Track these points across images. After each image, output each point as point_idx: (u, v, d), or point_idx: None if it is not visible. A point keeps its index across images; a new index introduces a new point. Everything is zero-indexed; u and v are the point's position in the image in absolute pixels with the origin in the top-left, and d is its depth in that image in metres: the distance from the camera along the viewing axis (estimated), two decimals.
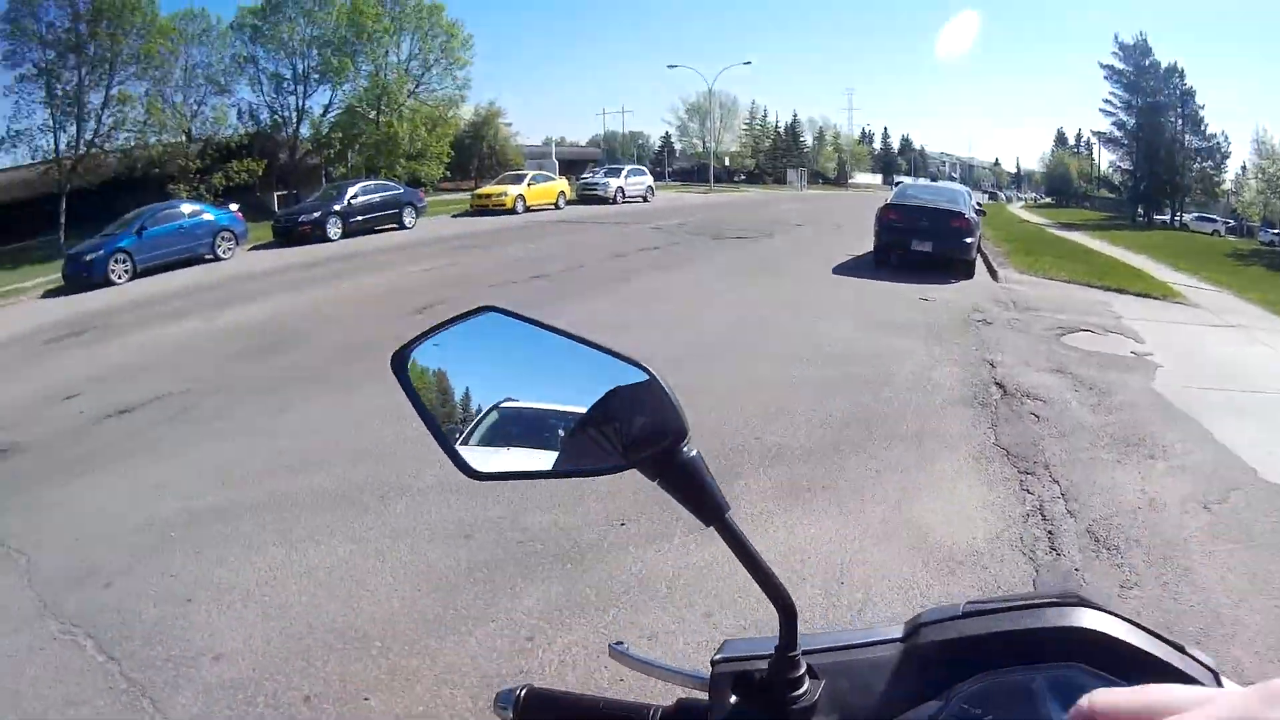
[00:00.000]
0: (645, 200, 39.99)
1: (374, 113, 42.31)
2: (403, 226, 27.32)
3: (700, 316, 10.84)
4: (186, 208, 23.28)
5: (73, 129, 34.83)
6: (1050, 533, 4.94)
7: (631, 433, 1.02)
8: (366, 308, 12.50)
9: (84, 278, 19.16)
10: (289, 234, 24.80)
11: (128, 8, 33.96)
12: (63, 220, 32.69)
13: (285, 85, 42.31)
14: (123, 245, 20.17)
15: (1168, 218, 64.99)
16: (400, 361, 1.15)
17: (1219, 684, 0.88)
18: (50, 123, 34.57)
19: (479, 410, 1.17)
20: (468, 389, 1.19)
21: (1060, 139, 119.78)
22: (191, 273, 20.03)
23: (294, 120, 42.54)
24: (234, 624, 3.97)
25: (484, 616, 3.96)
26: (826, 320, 10.88)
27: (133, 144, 35.98)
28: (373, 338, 9.95)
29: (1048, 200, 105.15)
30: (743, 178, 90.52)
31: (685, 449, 0.94)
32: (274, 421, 7.04)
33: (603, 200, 37.74)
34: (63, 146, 34.63)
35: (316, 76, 42.20)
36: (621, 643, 1.19)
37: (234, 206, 25.08)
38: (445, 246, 20.81)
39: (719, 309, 11.36)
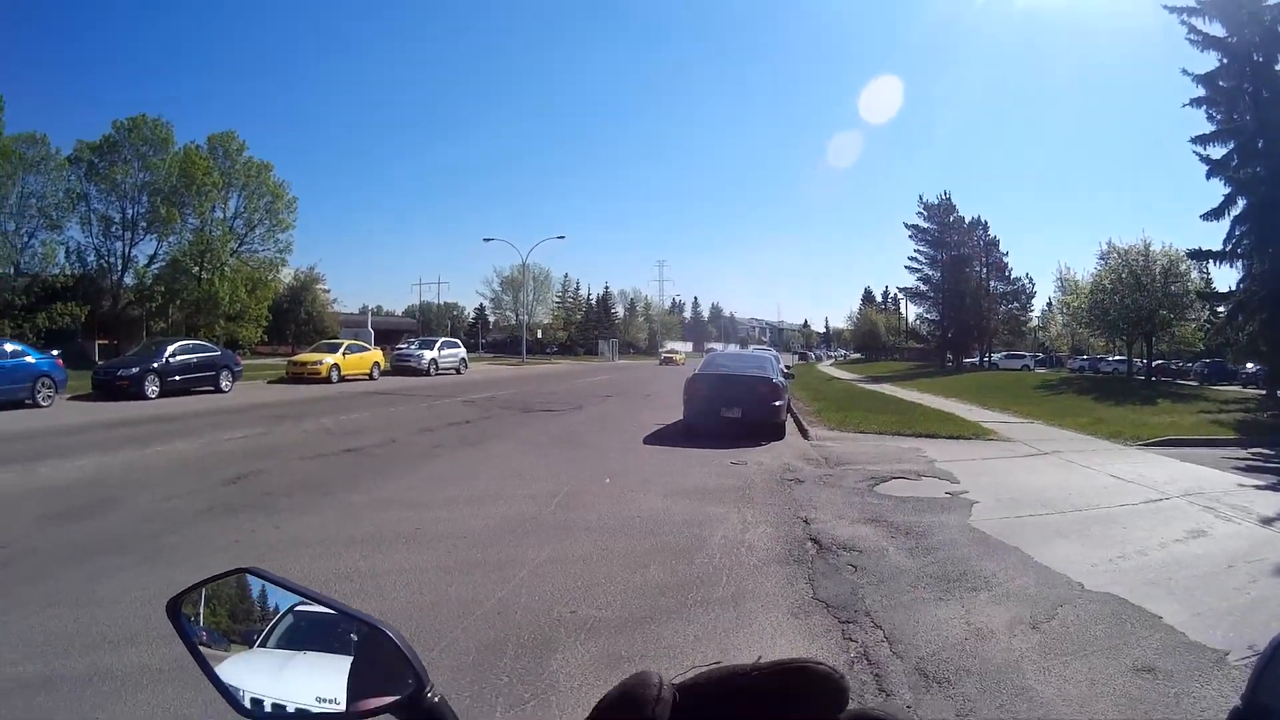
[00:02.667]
0: (458, 372, 41.64)
1: (197, 269, 41.95)
2: (219, 389, 27.19)
3: (509, 492, 10.80)
4: (9, 347, 22.38)
5: None
6: (877, 675, 5.04)
7: (370, 687, 1.11)
8: (179, 475, 12.01)
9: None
10: (108, 388, 24.25)
11: None
12: None
13: (114, 229, 41.90)
14: None
15: (977, 360, 68.47)
16: (174, 608, 1.31)
17: None
18: None
19: (275, 610, 1.28)
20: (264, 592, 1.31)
21: (868, 297, 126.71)
22: (9, 417, 19.22)
23: (120, 267, 41.86)
24: None
25: None
26: (637, 491, 11.03)
27: None
28: (184, 508, 9.68)
29: (857, 355, 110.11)
30: (555, 349, 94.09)
31: (430, 695, 1.03)
32: (86, 591, 6.61)
33: (416, 372, 39.05)
34: None
35: (145, 224, 41.89)
36: None
37: (55, 352, 24.28)
38: (260, 414, 20.60)
39: (528, 484, 11.35)
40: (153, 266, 42.59)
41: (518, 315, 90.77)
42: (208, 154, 43.24)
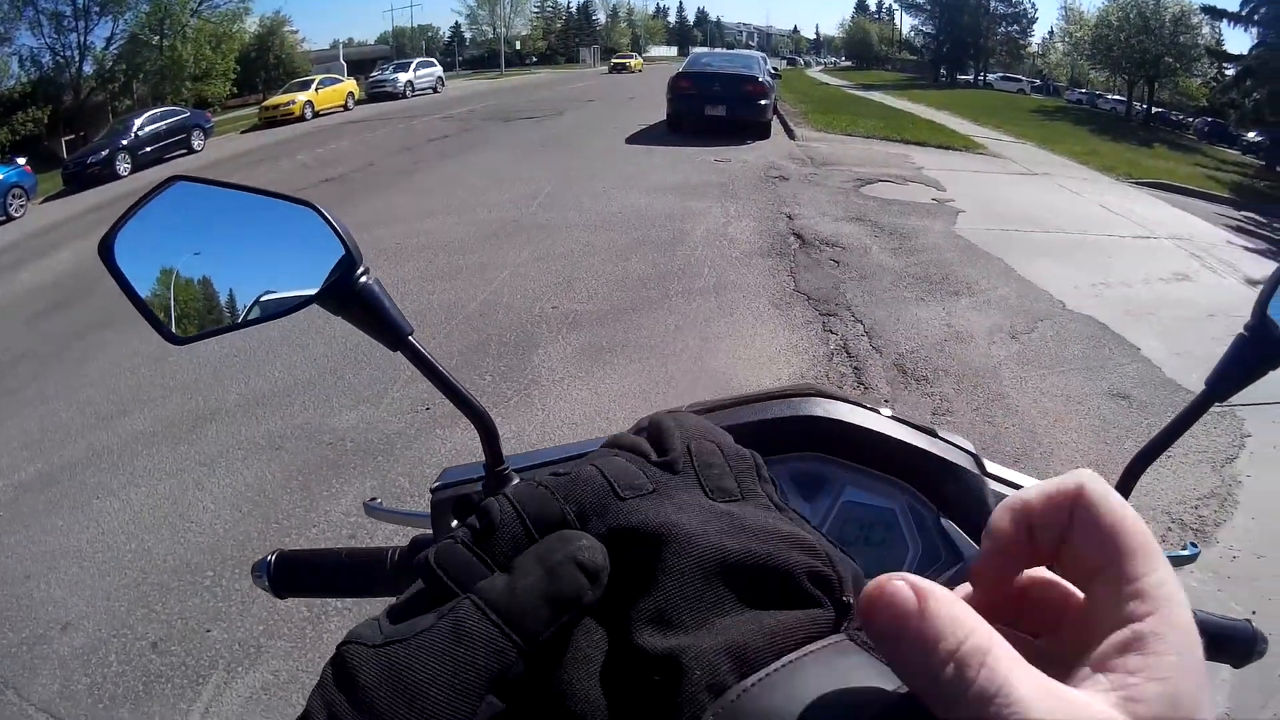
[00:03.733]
0: (435, 91, 39.95)
1: (157, 38, 40.11)
2: (192, 151, 26.17)
3: (490, 199, 10.67)
4: None
5: None
6: (856, 369, 5.15)
7: (306, 267, 1.04)
8: None
9: None
10: (79, 178, 23.33)
11: None
12: None
13: (66, 23, 39.55)
14: None
15: (971, 78, 66.62)
16: (106, 247, 1.13)
17: (980, 467, 0.91)
18: None
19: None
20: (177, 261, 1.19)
21: (861, 6, 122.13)
22: None
23: (77, 59, 40.02)
24: (74, 589, 3.86)
25: (305, 523, 3.97)
26: (619, 189, 10.91)
27: None
28: None
29: (848, 64, 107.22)
30: (535, 60, 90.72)
31: (360, 278, 0.95)
32: (80, 374, 6.70)
33: (392, 96, 37.45)
34: None
35: (97, 9, 39.61)
36: (374, 499, 1.24)
37: (21, 160, 23.48)
38: (234, 164, 20.05)
39: (508, 190, 11.21)
40: (111, 48, 40.73)
41: (495, 29, 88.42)
42: None
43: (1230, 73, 35.83)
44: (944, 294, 6.79)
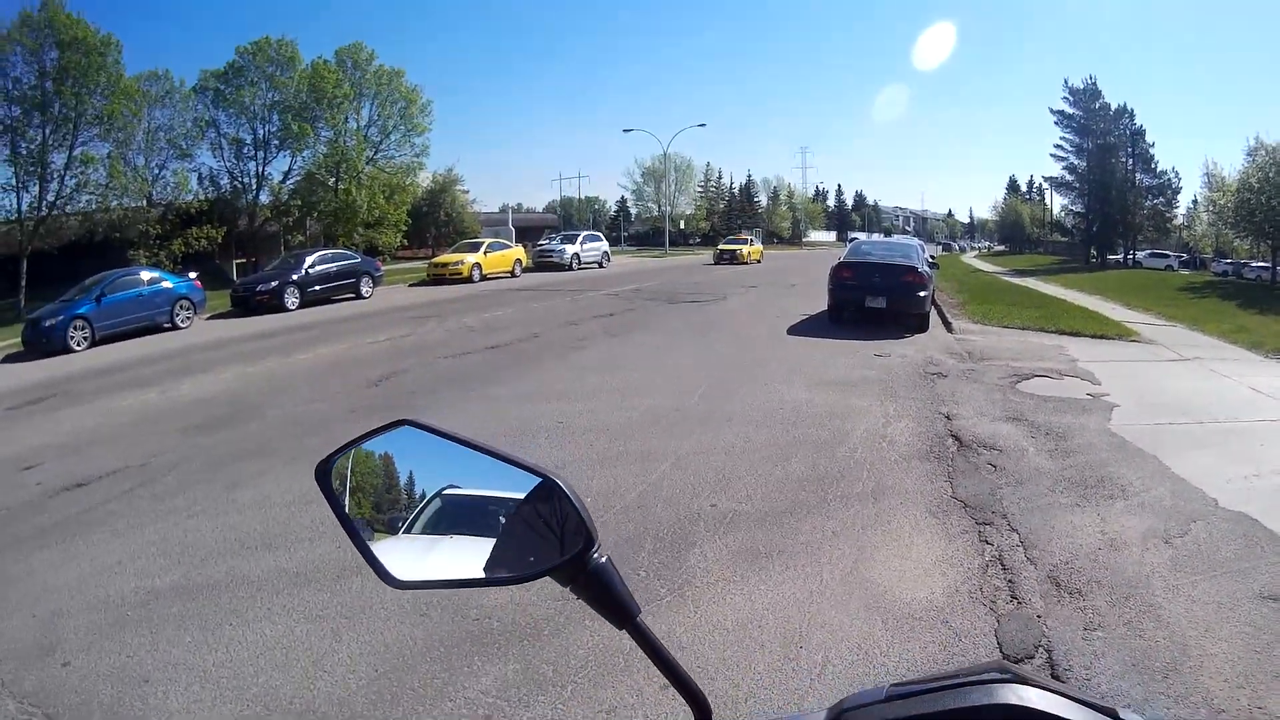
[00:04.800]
0: (601, 266, 40.88)
1: (333, 180, 42.37)
2: (360, 296, 27.42)
3: (653, 383, 10.82)
4: (146, 275, 23.22)
5: (36, 189, 34.83)
6: (1010, 582, 4.93)
7: (539, 542, 1.06)
8: (322, 379, 12.42)
9: (43, 343, 19.13)
10: (247, 303, 24.75)
11: (93, 67, 34.09)
12: (23, 282, 32.67)
13: (246, 150, 42.43)
14: (82, 312, 20.08)
15: (1121, 257, 65.68)
16: (323, 472, 1.24)
17: None
18: (13, 181, 34.54)
19: (422, 497, 1.24)
20: (411, 477, 1.24)
21: (1012, 186, 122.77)
22: (150, 341, 19.96)
23: (254, 186, 42.58)
24: (191, 707, 3.89)
25: (441, 695, 3.89)
26: (781, 382, 10.91)
27: (94, 207, 35.91)
28: (327, 412, 10.00)
29: (1001, 248, 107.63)
30: (698, 240, 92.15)
31: (595, 556, 0.95)
32: (229, 498, 6.92)
33: (559, 267, 38.34)
34: (25, 207, 34.67)
35: (277, 142, 42.35)
36: None
37: (193, 275, 24.96)
38: (402, 316, 20.83)
39: (672, 375, 11.36)
40: (288, 182, 43.26)
41: (660, 206, 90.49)
42: (336, 67, 43.49)
43: None
44: (1099, 498, 6.51)
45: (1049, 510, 6.19)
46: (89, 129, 35.30)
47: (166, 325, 21.89)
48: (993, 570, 5.11)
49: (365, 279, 28.04)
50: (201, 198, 40.48)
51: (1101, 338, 16.22)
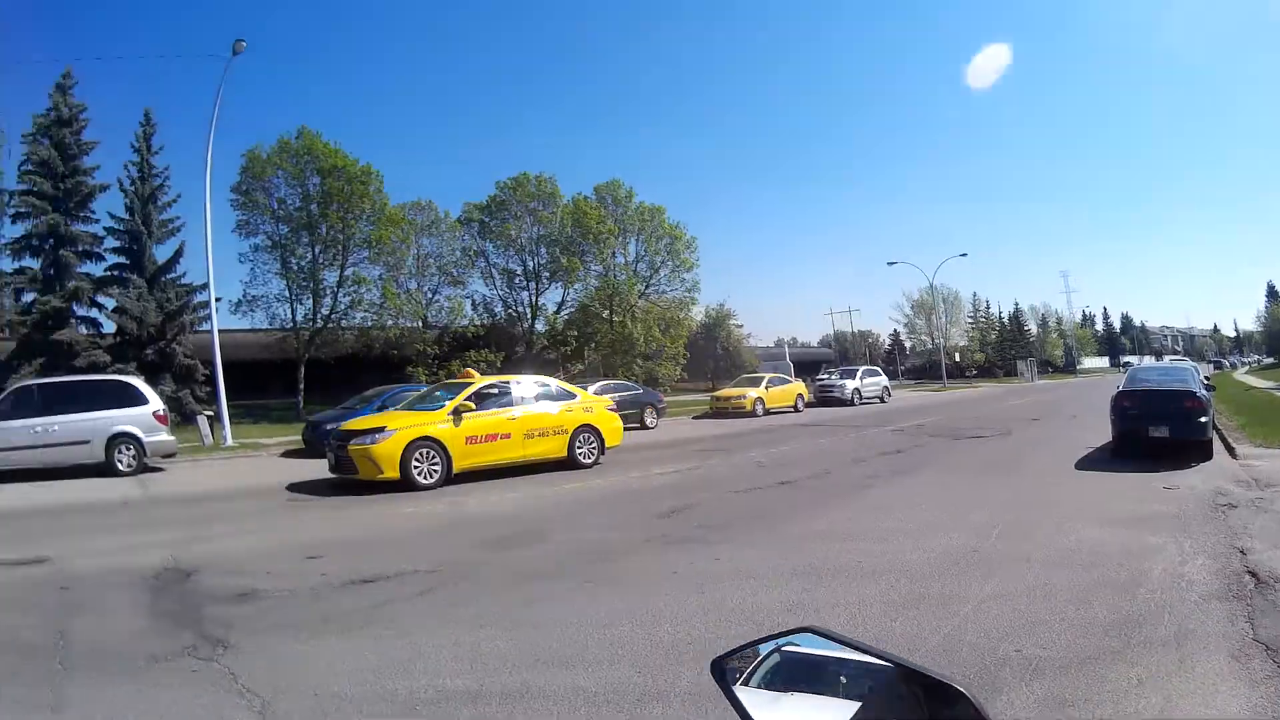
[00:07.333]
0: (882, 401, 41.39)
1: (606, 312, 44.10)
2: (644, 427, 28.26)
3: (946, 523, 10.44)
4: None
5: (309, 302, 38.65)
6: None
7: None
8: (613, 506, 12.66)
9: (323, 445, 20.25)
10: None
11: (356, 194, 37.58)
12: (301, 387, 35.52)
13: (517, 280, 45.06)
14: None
15: None
16: (719, 667, 1.34)
17: None
18: (286, 293, 38.47)
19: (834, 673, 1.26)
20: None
21: (1271, 293, 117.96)
22: None
23: (529, 315, 44.77)
24: None
25: None
26: (1074, 520, 10.47)
27: (369, 324, 39.24)
28: (618, 540, 10.07)
29: (1270, 360, 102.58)
30: (974, 372, 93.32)
31: None
32: (522, 614, 6.94)
33: (840, 402, 38.96)
34: (299, 317, 38.47)
35: (547, 274, 44.65)
36: None
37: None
38: (687, 449, 21.15)
39: (964, 514, 10.97)
40: (562, 313, 45.73)
41: (933, 339, 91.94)
42: (597, 204, 46.26)
43: None
44: None
45: None
46: (358, 251, 39.07)
47: None
48: None
49: (649, 410, 29.01)
50: (477, 323, 42.97)
51: None
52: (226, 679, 5.48)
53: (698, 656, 5.60)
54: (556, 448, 16.75)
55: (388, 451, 14.22)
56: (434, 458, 14.70)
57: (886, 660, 1.13)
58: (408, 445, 14.41)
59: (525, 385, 17.32)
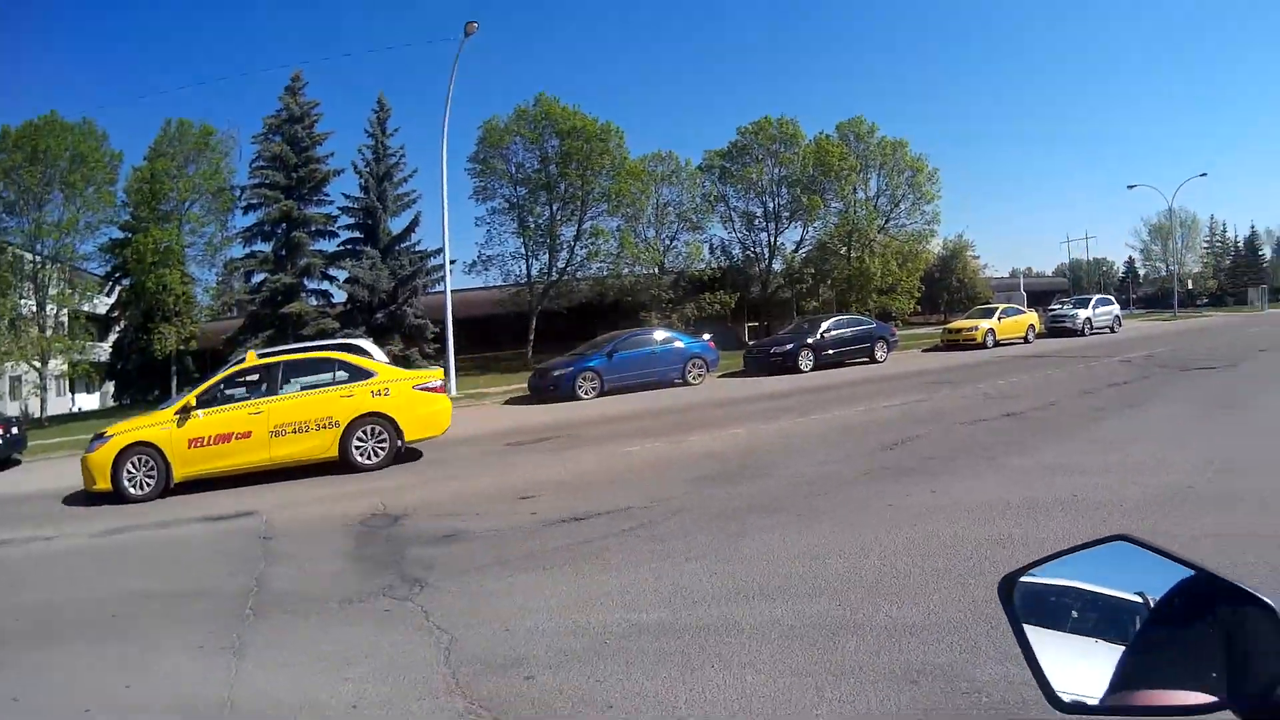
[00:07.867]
0: (1112, 331, 39.40)
1: (844, 248, 43.49)
2: (874, 360, 27.81)
3: (1168, 458, 9.74)
4: (659, 334, 25.25)
5: (544, 257, 40.07)
6: None
7: (1249, 667, 1.01)
8: (835, 441, 12.47)
9: (550, 391, 21.40)
10: (760, 364, 26.06)
11: (596, 151, 38.30)
12: (531, 337, 37.13)
13: (756, 223, 44.84)
14: (593, 365, 22.21)
15: None
16: (1008, 582, 1.29)
17: None
18: (522, 251, 40.04)
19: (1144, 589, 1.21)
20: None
21: None
22: (660, 395, 21.47)
23: (766, 256, 44.64)
24: None
25: None
26: None
27: (605, 274, 40.16)
28: (840, 473, 9.90)
29: None
30: (1205, 300, 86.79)
31: None
32: (730, 547, 6.96)
33: (1070, 332, 37.41)
34: (534, 272, 39.91)
35: (787, 214, 44.22)
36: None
37: (707, 336, 26.53)
38: (916, 381, 20.71)
39: (1187, 449, 10.21)
40: (800, 251, 45.29)
41: (1167, 266, 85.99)
42: (840, 142, 45.30)
43: None
44: None
45: None
46: (597, 206, 40.02)
47: (677, 381, 23.53)
48: None
49: (880, 343, 28.46)
50: (714, 266, 43.15)
51: None
52: (418, 616, 5.74)
53: (899, 590, 5.56)
54: (321, 446, 13.38)
55: (99, 461, 12.60)
56: (150, 465, 12.71)
57: (1199, 570, 1.12)
58: (119, 453, 12.63)
59: (294, 367, 13.98)
